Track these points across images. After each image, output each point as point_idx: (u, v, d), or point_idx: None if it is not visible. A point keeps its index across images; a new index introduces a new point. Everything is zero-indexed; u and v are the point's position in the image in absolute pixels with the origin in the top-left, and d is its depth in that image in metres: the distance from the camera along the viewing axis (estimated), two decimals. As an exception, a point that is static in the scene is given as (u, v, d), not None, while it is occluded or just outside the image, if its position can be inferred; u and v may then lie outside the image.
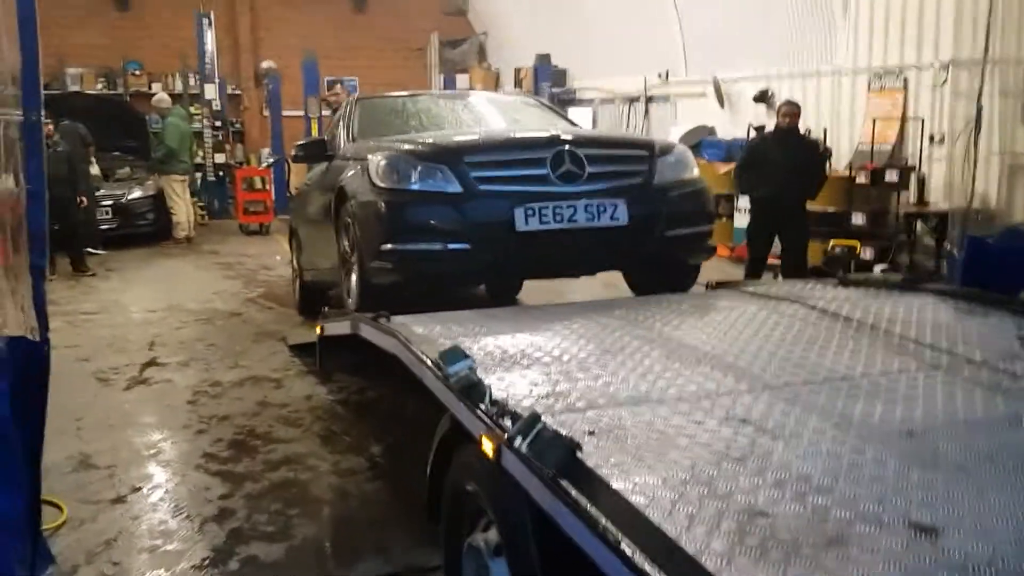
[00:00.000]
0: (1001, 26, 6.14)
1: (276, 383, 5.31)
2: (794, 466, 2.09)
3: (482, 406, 2.38)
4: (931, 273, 7.33)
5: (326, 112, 11.81)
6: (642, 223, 4.29)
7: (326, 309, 4.70)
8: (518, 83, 15.48)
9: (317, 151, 5.71)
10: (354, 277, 4.58)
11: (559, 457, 1.97)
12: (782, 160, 6.87)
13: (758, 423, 2.38)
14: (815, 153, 7.28)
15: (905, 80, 8.20)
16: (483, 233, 4.11)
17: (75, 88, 15.25)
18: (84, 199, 9.42)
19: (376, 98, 6.57)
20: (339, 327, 4.08)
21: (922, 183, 7.72)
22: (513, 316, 3.77)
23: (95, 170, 10.88)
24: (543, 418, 2.18)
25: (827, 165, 7.75)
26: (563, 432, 2.10)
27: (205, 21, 12.99)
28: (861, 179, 8.13)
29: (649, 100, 12.37)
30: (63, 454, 4.11)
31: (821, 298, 3.86)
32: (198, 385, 5.29)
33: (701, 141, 10.37)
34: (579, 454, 2.00)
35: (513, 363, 2.89)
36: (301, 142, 5.93)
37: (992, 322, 3.45)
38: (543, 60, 13.15)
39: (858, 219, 8.19)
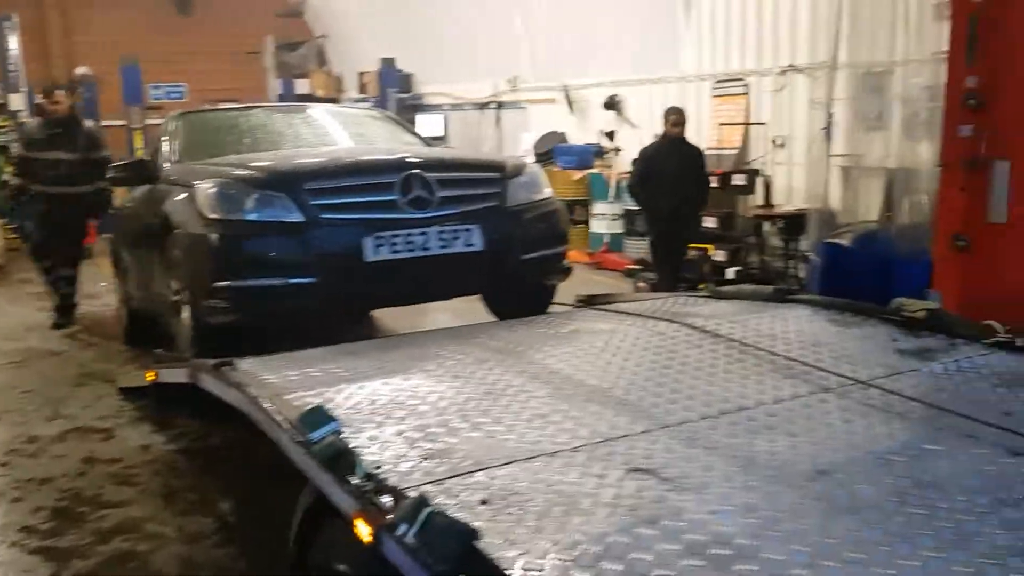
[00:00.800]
0: (836, 33, 6.35)
1: (105, 434, 4.70)
2: (710, 526, 1.89)
3: (353, 480, 2.05)
4: (781, 273, 7.52)
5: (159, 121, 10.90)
6: (497, 248, 4.17)
7: (159, 351, 4.17)
8: (362, 88, 14.98)
9: (136, 174, 5.22)
10: (186, 316, 4.19)
11: (454, 550, 1.67)
12: (676, 170, 6.81)
13: (662, 472, 2.17)
14: (701, 160, 7.25)
15: (747, 86, 8.39)
16: (329, 265, 3.86)
17: None
18: None
19: (202, 112, 6.06)
20: (175, 375, 3.60)
21: (768, 186, 7.91)
22: (378, 352, 3.42)
23: None
24: (429, 489, 1.89)
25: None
26: (456, 515, 1.80)
27: (6, 24, 11.75)
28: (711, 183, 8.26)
29: (500, 106, 12.21)
30: None
31: (698, 315, 3.74)
32: (11, 443, 4.60)
33: (554, 148, 10.31)
34: (477, 543, 1.71)
35: (385, 417, 2.56)
36: (118, 163, 5.39)
37: (868, 333, 3.43)
38: (388, 64, 12.73)
39: (710, 222, 8.31)
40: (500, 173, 4.42)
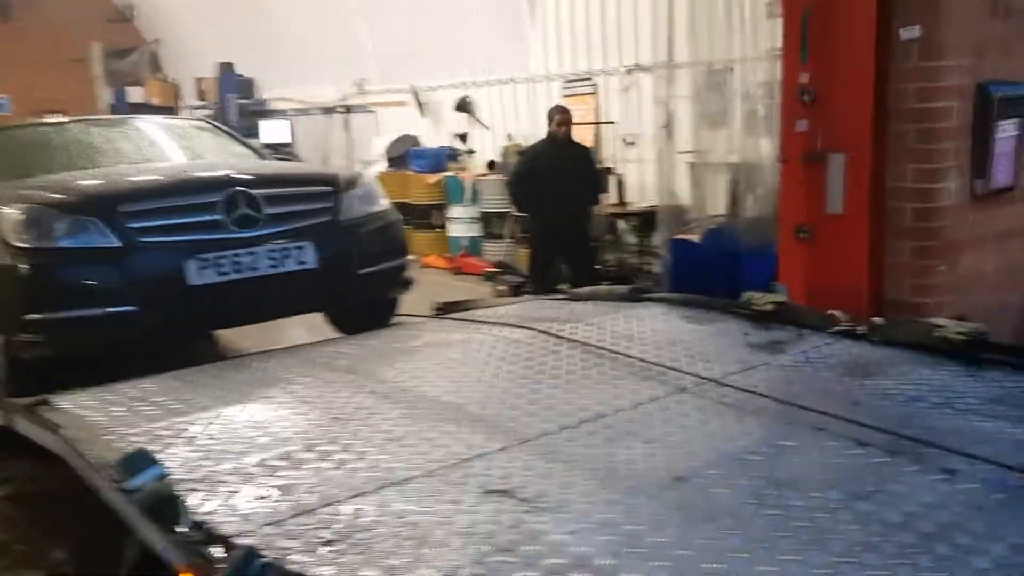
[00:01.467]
0: (679, 32, 6.48)
1: (-88, 486, 4.18)
2: (570, 548, 1.80)
3: (179, 529, 1.84)
4: (637, 269, 7.64)
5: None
6: (333, 264, 4.08)
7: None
8: (201, 95, 14.30)
9: None
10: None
11: (291, 605, 1.50)
12: (564, 171, 6.42)
13: (520, 492, 2.07)
14: (591, 159, 7.04)
15: (595, 85, 8.49)
16: (150, 291, 3.69)
17: None
18: None
19: (9, 129, 5.55)
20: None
21: (620, 184, 8.03)
22: (214, 379, 3.16)
23: None
24: (269, 532, 1.72)
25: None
26: (298, 559, 1.64)
27: None
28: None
29: (348, 110, 11.91)
30: None
31: (554, 320, 3.68)
32: None
33: (408, 151, 10.12)
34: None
35: (223, 455, 2.34)
36: None
37: (720, 329, 3.47)
38: (226, 69, 12.17)
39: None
40: (333, 186, 4.29)
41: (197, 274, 3.72)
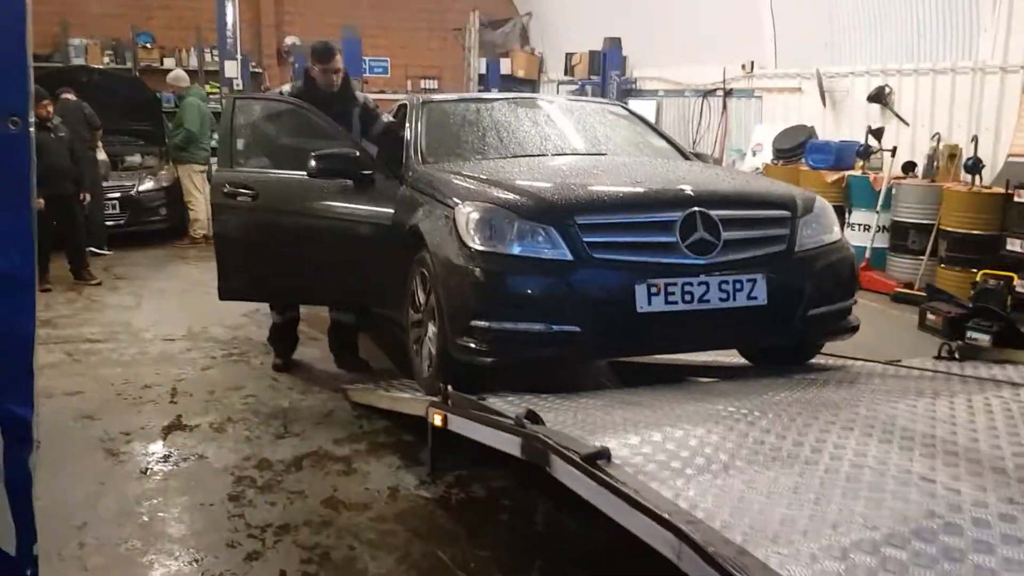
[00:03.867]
0: None
1: (344, 464, 3.97)
2: None
3: None
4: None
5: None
6: (782, 301, 3.64)
7: (448, 388, 3.36)
8: (569, 70, 14.08)
9: (353, 168, 4.58)
10: (430, 345, 3.90)
11: None
12: None
13: None
14: None
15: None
16: (596, 313, 3.45)
17: (79, 61, 13.85)
18: (87, 195, 7.98)
19: (443, 103, 5.35)
20: (479, 431, 2.76)
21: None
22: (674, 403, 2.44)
23: (102, 156, 9.48)
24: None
25: None
26: None
27: (224, -9, 11.54)
28: (1021, 198, 6.81)
29: (728, 94, 10.98)
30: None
31: None
32: (240, 466, 3.95)
33: (804, 143, 9.01)
34: None
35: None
36: (326, 152, 4.54)
37: None
38: (613, 44, 11.65)
39: (1015, 245, 6.87)
40: (790, 211, 3.80)
41: (647, 300, 3.41)
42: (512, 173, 4.11)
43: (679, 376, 4.45)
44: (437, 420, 3.15)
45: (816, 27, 9.41)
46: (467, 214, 3.62)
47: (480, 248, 3.53)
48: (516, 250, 3.49)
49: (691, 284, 3.45)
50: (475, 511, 3.60)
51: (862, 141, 8.40)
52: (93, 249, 8.78)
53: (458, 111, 5.15)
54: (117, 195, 9.53)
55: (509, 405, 3.20)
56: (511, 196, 3.68)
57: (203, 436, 4.31)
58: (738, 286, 3.51)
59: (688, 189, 3.75)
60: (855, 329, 4.01)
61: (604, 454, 2.07)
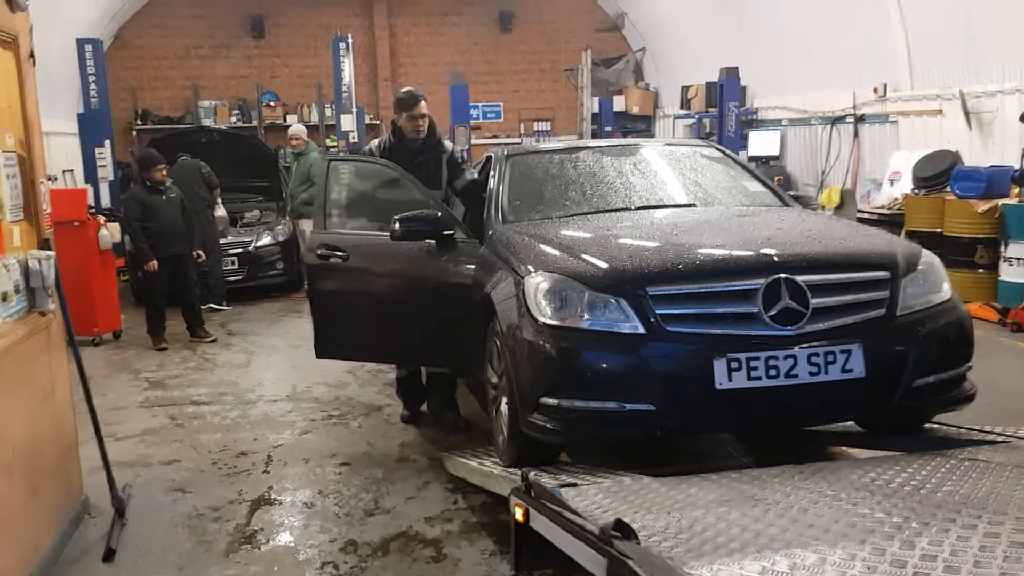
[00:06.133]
0: None
1: (434, 549, 3.64)
2: None
3: None
4: None
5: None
6: (883, 372, 3.27)
7: (529, 476, 3.00)
8: (685, 104, 13.61)
9: (434, 228, 4.44)
10: (504, 415, 3.77)
11: None
12: None
13: None
14: None
15: None
16: (671, 390, 3.21)
17: (208, 122, 14.47)
18: (200, 253, 8.08)
19: (527, 154, 5.17)
20: (561, 538, 2.38)
21: None
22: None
23: (221, 212, 9.67)
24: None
25: None
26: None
27: (343, 46, 11.71)
28: None
29: (860, 119, 10.24)
30: None
31: None
32: (325, 549, 3.68)
33: (949, 170, 8.19)
34: None
35: None
36: (407, 215, 4.41)
37: None
38: (730, 74, 11.10)
39: None
40: (890, 270, 3.43)
41: (727, 376, 3.12)
42: (588, 236, 3.94)
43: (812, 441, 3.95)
44: (519, 514, 2.78)
45: (955, 42, 8.60)
46: (536, 284, 3.47)
47: (548, 321, 3.36)
48: (586, 323, 3.30)
49: (776, 358, 3.14)
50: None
51: (1016, 166, 7.56)
52: (213, 305, 8.93)
53: (541, 163, 5.00)
54: (237, 251, 9.69)
55: (596, 492, 2.84)
56: (581, 265, 3.49)
57: (291, 512, 4.09)
58: (830, 358, 3.17)
59: (772, 252, 3.41)
60: (970, 399, 3.56)
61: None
